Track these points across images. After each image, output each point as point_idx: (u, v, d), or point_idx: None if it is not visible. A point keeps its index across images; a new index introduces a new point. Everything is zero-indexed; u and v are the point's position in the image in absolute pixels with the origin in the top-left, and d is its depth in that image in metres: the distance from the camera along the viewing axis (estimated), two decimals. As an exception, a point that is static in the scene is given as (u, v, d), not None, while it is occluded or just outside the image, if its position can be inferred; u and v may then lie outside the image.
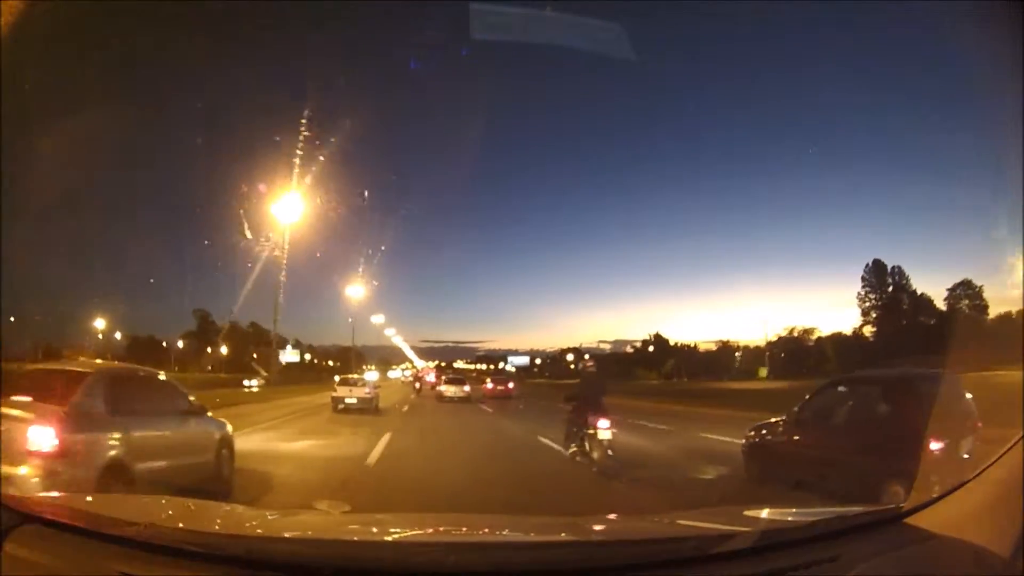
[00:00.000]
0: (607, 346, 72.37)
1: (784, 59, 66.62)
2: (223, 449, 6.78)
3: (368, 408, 19.11)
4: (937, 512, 1.75)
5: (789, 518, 2.16)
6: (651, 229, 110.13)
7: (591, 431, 8.53)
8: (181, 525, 1.76)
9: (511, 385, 33.51)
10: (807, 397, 7.07)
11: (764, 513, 2.16)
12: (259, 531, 1.96)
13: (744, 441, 7.70)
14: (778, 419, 7.30)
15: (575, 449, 9.03)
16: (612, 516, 2.78)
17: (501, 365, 70.37)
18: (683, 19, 47.80)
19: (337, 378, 22.31)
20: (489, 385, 32.97)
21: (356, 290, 44.24)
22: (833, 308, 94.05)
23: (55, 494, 1.98)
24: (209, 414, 6.80)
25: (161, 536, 1.62)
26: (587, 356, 13.40)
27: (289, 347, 60.43)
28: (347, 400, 19.29)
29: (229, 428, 7.14)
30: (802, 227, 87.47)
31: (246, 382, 38.12)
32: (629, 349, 69.81)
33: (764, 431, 7.42)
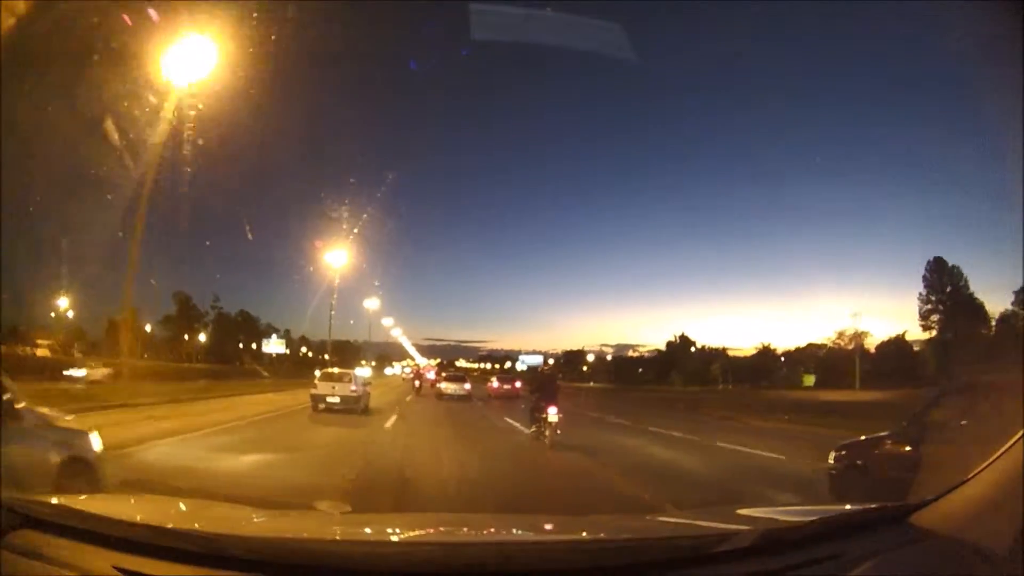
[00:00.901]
0: (609, 349, 72.16)
1: (797, 51, 65.67)
2: (76, 478, 4.15)
3: (354, 409, 17.29)
4: (937, 511, 1.80)
5: (789, 517, 2.20)
6: (657, 231, 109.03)
7: (544, 416, 11.65)
8: (181, 525, 1.81)
9: (518, 384, 33.39)
10: (920, 408, 6.02)
11: (764, 512, 2.20)
12: (259, 531, 2.01)
13: (832, 462, 6.68)
14: (872, 436, 6.44)
15: (534, 429, 12.16)
16: (613, 516, 2.81)
17: (508, 364, 70.23)
18: (690, 16, 47.19)
19: (318, 372, 20.05)
20: (495, 384, 32.84)
21: (349, 286, 44.01)
22: (878, 314, 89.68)
23: (55, 494, 2.02)
24: (48, 415, 4.48)
25: (161, 536, 1.67)
26: (545, 360, 15.70)
27: (275, 336, 58.77)
28: (329, 399, 17.34)
29: (95, 443, 4.56)
30: (837, 228, 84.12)
31: (67, 371, 26.61)
32: (633, 353, 69.40)
33: (864, 450, 6.47)
